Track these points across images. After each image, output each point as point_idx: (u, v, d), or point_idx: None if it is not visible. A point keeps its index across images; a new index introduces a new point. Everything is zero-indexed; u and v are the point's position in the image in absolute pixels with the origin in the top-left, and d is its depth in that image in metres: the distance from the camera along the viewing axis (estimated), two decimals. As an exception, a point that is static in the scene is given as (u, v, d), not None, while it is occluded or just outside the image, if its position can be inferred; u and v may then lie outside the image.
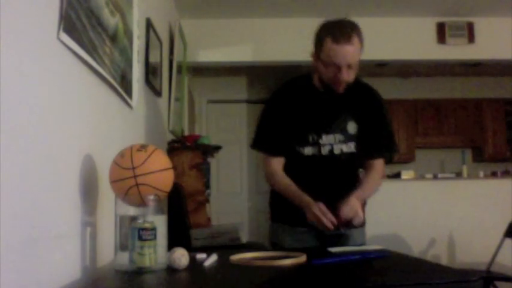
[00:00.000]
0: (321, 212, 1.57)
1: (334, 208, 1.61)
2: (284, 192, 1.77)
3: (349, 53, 1.60)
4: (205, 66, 4.88)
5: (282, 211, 1.87)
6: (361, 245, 1.64)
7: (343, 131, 1.77)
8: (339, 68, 1.62)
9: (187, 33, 3.98)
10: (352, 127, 1.78)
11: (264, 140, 1.84)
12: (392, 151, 1.87)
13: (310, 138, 1.77)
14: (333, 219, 1.55)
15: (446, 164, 6.33)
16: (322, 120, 1.77)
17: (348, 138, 1.78)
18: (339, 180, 1.81)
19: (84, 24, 1.28)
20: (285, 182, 1.77)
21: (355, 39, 1.60)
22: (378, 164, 1.84)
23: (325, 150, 1.77)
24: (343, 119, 1.77)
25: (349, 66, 1.63)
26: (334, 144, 1.77)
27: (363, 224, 1.90)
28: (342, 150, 1.77)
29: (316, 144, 1.77)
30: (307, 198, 1.66)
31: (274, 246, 1.86)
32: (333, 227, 1.55)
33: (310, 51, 1.72)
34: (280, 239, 1.85)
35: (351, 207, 1.60)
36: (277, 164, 1.81)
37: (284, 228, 1.85)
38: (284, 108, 1.79)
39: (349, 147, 1.78)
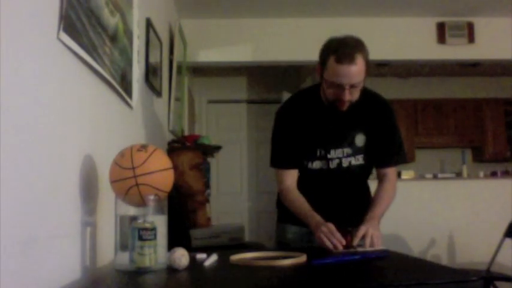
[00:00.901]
0: (329, 232, 1.51)
1: (344, 223, 1.56)
2: (296, 210, 1.74)
3: (352, 74, 1.57)
4: (205, 66, 4.88)
5: (289, 212, 1.85)
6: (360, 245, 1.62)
7: (351, 144, 1.76)
8: (342, 88, 1.59)
9: (187, 33, 3.98)
10: (360, 139, 1.77)
11: (277, 157, 1.83)
12: (402, 160, 1.86)
13: (318, 153, 1.76)
14: (342, 239, 1.49)
15: (446, 164, 6.33)
16: (329, 134, 1.75)
17: (356, 151, 1.77)
18: (348, 192, 1.82)
19: (84, 24, 1.28)
20: (298, 200, 1.74)
21: (359, 59, 1.57)
22: (391, 173, 1.83)
23: (333, 164, 1.77)
24: (351, 132, 1.76)
25: (352, 86, 1.60)
26: (343, 157, 1.77)
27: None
28: (350, 163, 1.77)
29: (324, 159, 1.76)
30: (317, 218, 1.62)
31: (281, 246, 1.86)
32: (341, 247, 1.48)
33: (316, 65, 1.70)
34: (289, 239, 1.86)
35: (367, 230, 1.54)
36: (290, 179, 1.79)
37: (291, 228, 1.85)
38: (292, 124, 1.77)
39: (358, 160, 1.78)
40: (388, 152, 1.80)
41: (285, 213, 1.88)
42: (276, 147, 1.83)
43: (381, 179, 1.84)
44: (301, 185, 1.80)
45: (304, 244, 1.81)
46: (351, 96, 1.62)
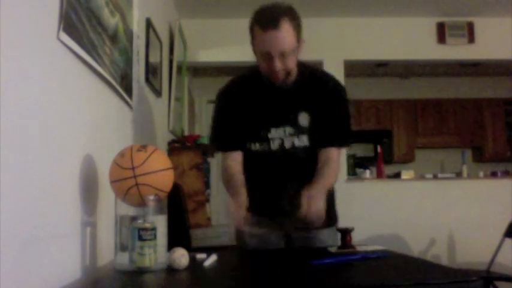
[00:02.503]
0: (235, 207, 1.42)
1: (293, 213, 1.44)
2: (227, 185, 1.61)
3: (278, 40, 1.47)
4: (205, 66, 4.88)
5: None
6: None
7: (294, 123, 1.63)
8: (271, 57, 1.51)
9: (187, 33, 3.98)
10: (304, 118, 1.64)
11: (216, 138, 1.74)
12: (346, 143, 1.73)
13: (261, 133, 1.65)
14: (244, 215, 1.41)
15: (446, 164, 6.33)
16: (270, 113, 1.65)
17: (299, 130, 1.64)
18: (294, 176, 1.65)
19: (84, 24, 1.28)
20: (231, 174, 1.62)
21: (285, 24, 1.47)
22: (334, 156, 1.65)
23: (275, 145, 1.65)
24: (294, 111, 1.64)
25: (283, 54, 1.50)
26: (285, 137, 1.64)
27: (333, 222, 1.76)
28: (293, 144, 1.64)
29: (266, 139, 1.65)
30: (241, 197, 1.48)
31: (240, 248, 1.77)
32: (241, 224, 1.41)
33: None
34: (246, 242, 1.74)
35: (309, 199, 1.41)
36: (231, 160, 1.67)
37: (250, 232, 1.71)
38: (231, 104, 1.68)
39: (302, 141, 1.64)
40: (332, 132, 1.65)
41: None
42: (215, 129, 1.73)
43: (321, 159, 1.64)
44: (246, 170, 1.65)
45: (262, 245, 1.71)
46: (283, 64, 1.52)
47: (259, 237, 1.70)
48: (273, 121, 1.65)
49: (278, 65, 1.52)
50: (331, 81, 1.71)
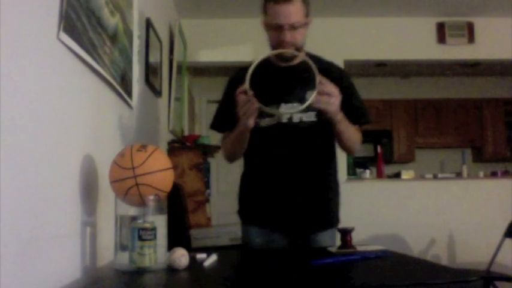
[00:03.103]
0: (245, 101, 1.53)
1: (300, 187, 1.68)
2: (230, 141, 1.76)
3: (289, 12, 1.62)
4: (205, 66, 4.88)
5: (250, 213, 1.84)
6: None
7: (302, 100, 1.68)
8: (282, 29, 1.64)
9: (187, 33, 3.98)
10: (311, 96, 1.73)
11: (220, 120, 1.86)
12: (367, 119, 1.83)
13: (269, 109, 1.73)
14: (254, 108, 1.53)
15: (446, 164, 6.33)
16: (279, 90, 1.73)
17: (307, 107, 1.66)
18: (302, 151, 1.76)
19: (84, 24, 1.28)
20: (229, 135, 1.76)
21: (296, 0, 1.63)
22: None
23: (284, 119, 1.74)
24: (302, 88, 1.71)
25: (292, 27, 1.64)
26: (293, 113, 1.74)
27: (335, 224, 1.83)
28: (301, 118, 1.73)
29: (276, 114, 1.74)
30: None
31: (246, 246, 1.84)
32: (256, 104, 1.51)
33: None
34: (251, 241, 1.81)
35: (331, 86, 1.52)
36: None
37: (254, 230, 1.81)
38: (237, 87, 1.71)
39: (309, 116, 1.73)
40: (352, 113, 1.73)
41: (246, 212, 1.87)
42: (217, 112, 1.87)
43: None
44: (256, 146, 1.75)
45: (267, 245, 1.77)
46: (292, 37, 1.65)
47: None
48: (282, 97, 1.74)
49: (287, 36, 1.64)
50: (335, 65, 1.85)
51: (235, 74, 1.86)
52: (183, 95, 3.98)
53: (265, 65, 1.72)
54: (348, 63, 4.26)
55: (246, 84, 1.52)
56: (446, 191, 4.34)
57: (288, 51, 1.66)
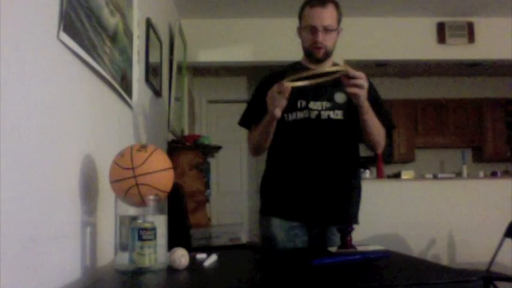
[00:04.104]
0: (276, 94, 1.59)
1: (326, 178, 1.77)
2: (258, 132, 1.82)
3: (324, 15, 1.76)
4: (205, 66, 4.88)
5: (274, 203, 1.87)
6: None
7: (330, 99, 1.83)
8: (316, 31, 1.77)
9: (187, 33, 3.98)
10: (340, 97, 1.84)
11: (248, 117, 1.94)
12: (390, 123, 1.92)
13: (299, 104, 1.82)
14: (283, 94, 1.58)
15: (446, 164, 6.33)
16: (309, 89, 1.78)
17: (335, 106, 1.83)
18: (328, 147, 1.83)
19: (84, 24, 1.28)
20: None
21: (330, 5, 1.79)
22: None
23: (313, 115, 1.82)
24: (331, 89, 1.82)
25: (325, 30, 1.77)
26: (322, 110, 1.82)
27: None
28: (329, 116, 1.82)
29: (306, 109, 1.82)
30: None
31: (268, 241, 1.85)
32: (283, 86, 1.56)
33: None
34: (274, 234, 1.84)
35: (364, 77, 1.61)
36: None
37: (276, 222, 1.84)
38: (267, 87, 1.77)
39: (337, 115, 1.82)
40: (379, 118, 1.80)
41: (268, 204, 1.90)
42: (250, 108, 1.95)
43: None
44: (283, 140, 1.84)
45: (290, 242, 1.81)
46: (324, 40, 1.79)
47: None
48: (312, 95, 1.83)
49: (321, 38, 1.78)
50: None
51: (265, 78, 1.95)
52: (183, 95, 3.98)
53: (298, 67, 1.88)
54: (348, 63, 4.26)
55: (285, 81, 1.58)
56: (446, 191, 4.34)
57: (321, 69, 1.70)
